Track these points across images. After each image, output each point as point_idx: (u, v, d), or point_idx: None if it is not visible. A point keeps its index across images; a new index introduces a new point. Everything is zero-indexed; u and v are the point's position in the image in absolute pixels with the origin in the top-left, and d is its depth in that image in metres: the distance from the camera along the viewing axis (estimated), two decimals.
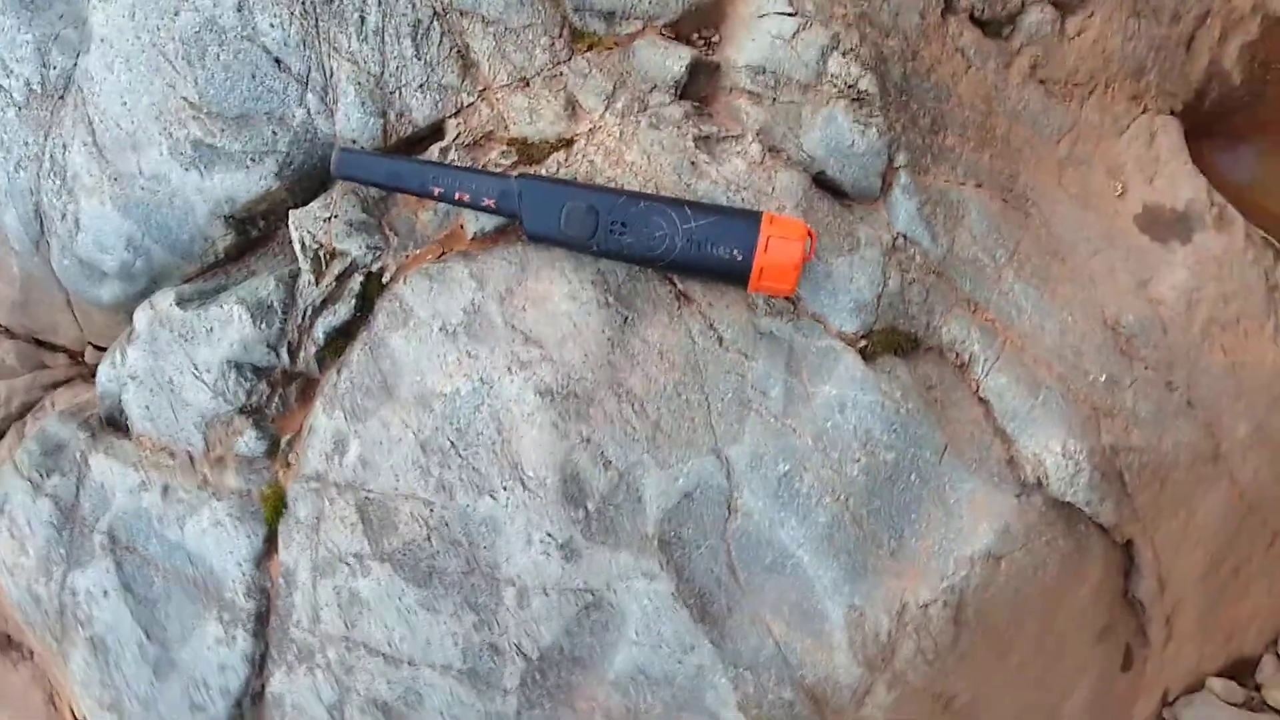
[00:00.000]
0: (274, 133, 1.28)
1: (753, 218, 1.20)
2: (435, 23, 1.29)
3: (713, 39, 1.38)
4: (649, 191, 1.26)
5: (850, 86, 1.33)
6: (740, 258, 1.19)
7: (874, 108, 1.33)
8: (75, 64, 1.32)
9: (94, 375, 1.55)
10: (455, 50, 1.30)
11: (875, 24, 1.39)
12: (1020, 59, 1.54)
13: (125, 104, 1.29)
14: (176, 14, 1.27)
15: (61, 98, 1.33)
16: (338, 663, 1.24)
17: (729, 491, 1.26)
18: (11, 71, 1.33)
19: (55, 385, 1.56)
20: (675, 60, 1.32)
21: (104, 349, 1.54)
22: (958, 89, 1.46)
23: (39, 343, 1.58)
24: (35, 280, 1.47)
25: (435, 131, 1.32)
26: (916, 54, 1.42)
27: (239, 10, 1.26)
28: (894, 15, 1.41)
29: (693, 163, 1.28)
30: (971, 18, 1.50)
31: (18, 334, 1.58)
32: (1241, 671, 1.91)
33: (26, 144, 1.35)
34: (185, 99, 1.28)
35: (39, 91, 1.34)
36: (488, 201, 1.21)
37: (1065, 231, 1.50)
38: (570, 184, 1.24)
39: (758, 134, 1.31)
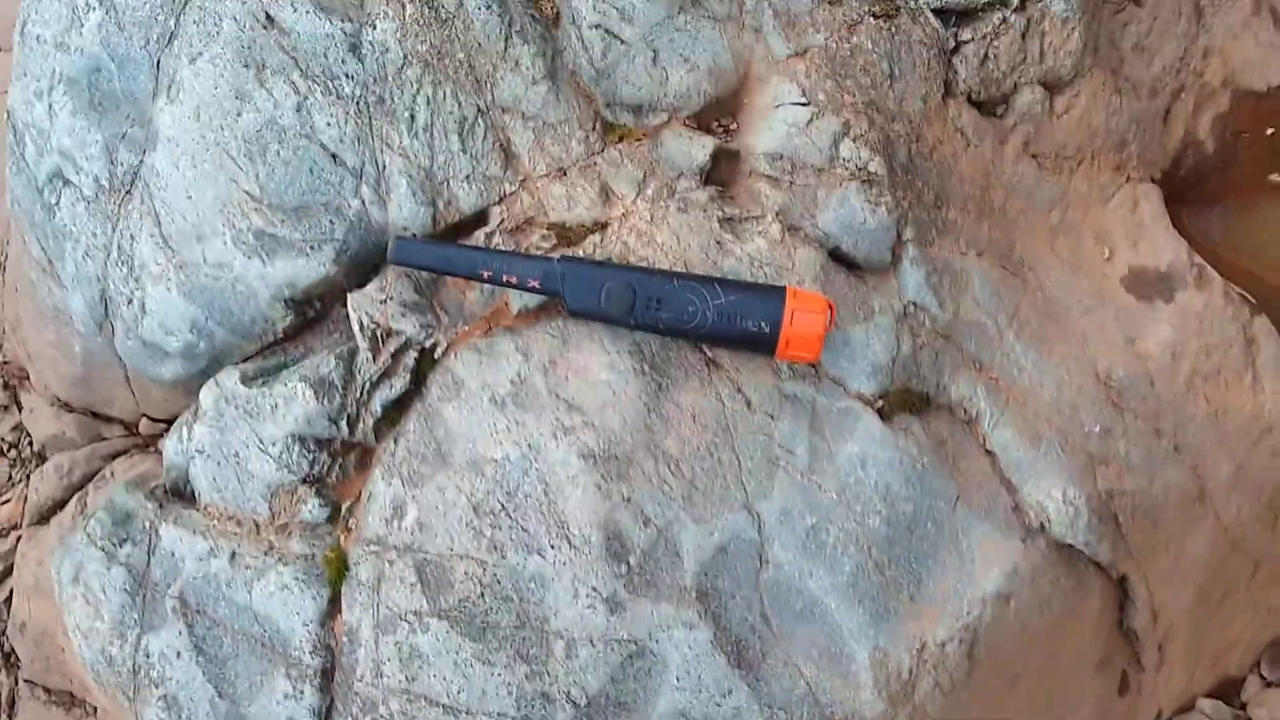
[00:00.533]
0: (331, 222, 1.36)
1: (776, 293, 1.27)
2: (479, 119, 1.38)
3: (731, 127, 1.48)
4: (680, 270, 1.34)
5: (861, 169, 1.42)
6: (767, 329, 1.26)
7: (883, 187, 1.43)
8: (141, 161, 1.39)
9: (148, 446, 1.62)
10: (498, 144, 1.39)
11: (882, 110, 1.48)
12: (1014, 136, 1.63)
13: (190, 198, 1.36)
14: (239, 115, 1.35)
15: (128, 192, 1.40)
16: (400, 714, 1.29)
17: (760, 544, 1.32)
18: (81, 169, 1.41)
19: (113, 456, 1.62)
20: (699, 149, 1.42)
21: (158, 420, 1.60)
22: (958, 166, 1.55)
23: (95, 415, 1.65)
24: (96, 359, 1.53)
25: (480, 218, 1.39)
26: (920, 135, 1.51)
27: (298, 111, 1.35)
28: (899, 101, 1.50)
29: (718, 242, 1.37)
30: (969, 100, 1.58)
31: (76, 408, 1.64)
32: (1228, 691, 1.99)
33: (95, 235, 1.42)
34: (247, 192, 1.36)
35: (107, 187, 1.41)
36: (533, 283, 1.29)
37: (1059, 294, 1.59)
38: (609, 265, 1.32)
39: (777, 214, 1.40)
